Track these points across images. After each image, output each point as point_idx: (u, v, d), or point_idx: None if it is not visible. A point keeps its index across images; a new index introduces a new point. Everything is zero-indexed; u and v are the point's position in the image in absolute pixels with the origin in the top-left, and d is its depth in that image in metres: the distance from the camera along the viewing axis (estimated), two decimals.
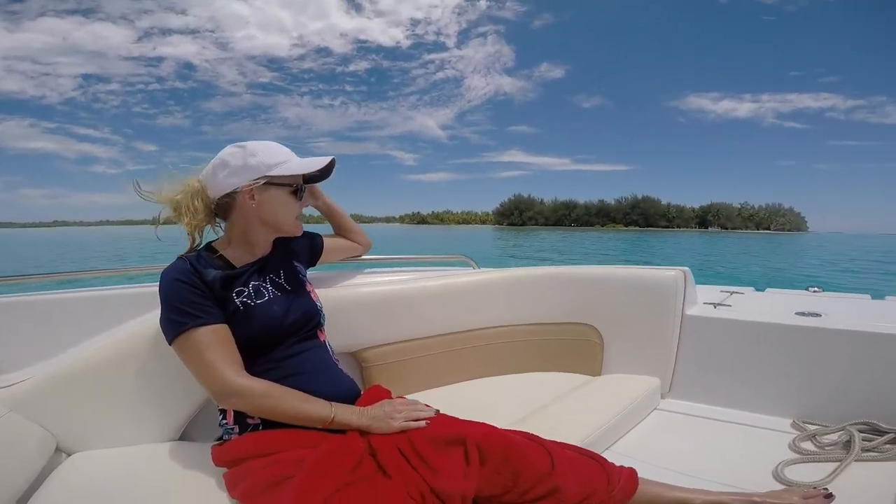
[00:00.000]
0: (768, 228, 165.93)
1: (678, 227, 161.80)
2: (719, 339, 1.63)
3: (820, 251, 36.30)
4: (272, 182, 1.08)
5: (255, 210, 1.09)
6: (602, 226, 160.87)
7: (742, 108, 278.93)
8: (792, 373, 1.52)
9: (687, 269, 1.75)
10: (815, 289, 2.08)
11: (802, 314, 1.60)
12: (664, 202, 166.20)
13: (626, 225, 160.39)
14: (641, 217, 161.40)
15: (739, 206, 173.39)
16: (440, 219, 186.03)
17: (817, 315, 1.58)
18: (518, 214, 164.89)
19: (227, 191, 1.07)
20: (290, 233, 1.18)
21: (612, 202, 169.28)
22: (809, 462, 1.24)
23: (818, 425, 1.41)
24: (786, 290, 2.14)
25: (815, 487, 1.08)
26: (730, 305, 1.77)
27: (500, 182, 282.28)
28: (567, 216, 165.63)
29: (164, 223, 1.11)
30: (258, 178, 1.06)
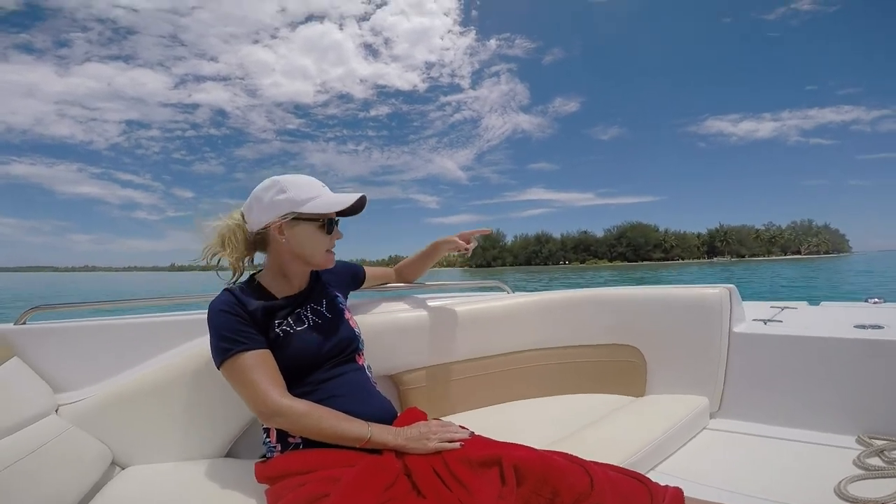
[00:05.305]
0: (798, 252, 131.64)
1: (679, 258, 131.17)
2: (772, 356, 1.56)
3: None
4: (300, 217, 1.13)
5: (286, 244, 1.14)
6: (581, 262, 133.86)
7: (763, 127, 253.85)
8: (854, 388, 1.43)
9: (732, 286, 1.69)
10: (876, 300, 1.98)
11: (862, 327, 1.53)
12: (661, 229, 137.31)
13: (612, 260, 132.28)
14: (630, 249, 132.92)
15: (762, 226, 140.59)
16: None
17: (879, 327, 1.50)
18: (482, 254, 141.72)
19: (260, 227, 1.14)
20: (320, 266, 1.21)
21: (601, 233, 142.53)
22: (876, 478, 1.15)
23: (886, 440, 1.32)
24: (843, 302, 2.06)
25: None
26: (781, 321, 1.70)
27: (523, 221, 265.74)
28: (538, 253, 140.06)
29: (210, 263, 1.16)
30: (286, 215, 1.11)
